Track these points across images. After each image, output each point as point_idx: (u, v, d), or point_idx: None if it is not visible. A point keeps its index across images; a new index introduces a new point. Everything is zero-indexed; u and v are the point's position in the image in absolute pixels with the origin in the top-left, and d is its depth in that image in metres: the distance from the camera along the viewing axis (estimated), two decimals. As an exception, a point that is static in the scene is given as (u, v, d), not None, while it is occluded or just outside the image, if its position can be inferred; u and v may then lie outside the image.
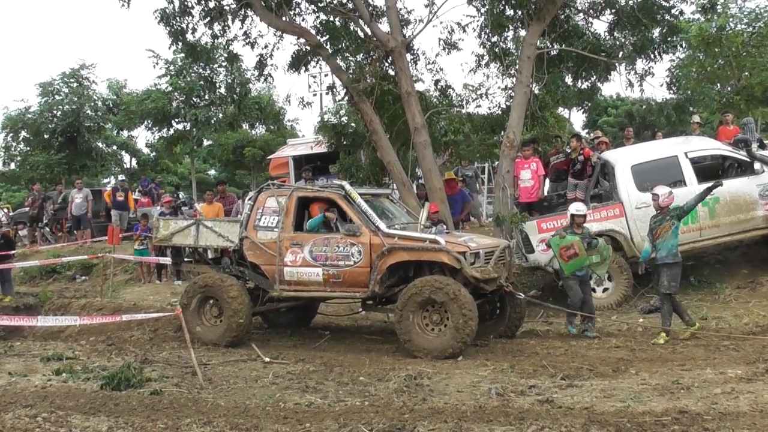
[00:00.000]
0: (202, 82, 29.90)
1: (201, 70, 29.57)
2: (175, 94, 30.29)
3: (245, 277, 13.64)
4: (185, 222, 14.46)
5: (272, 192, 13.56)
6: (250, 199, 13.94)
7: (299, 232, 13.10)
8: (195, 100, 30.44)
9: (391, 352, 12.52)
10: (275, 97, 34.89)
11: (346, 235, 12.56)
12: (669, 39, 18.27)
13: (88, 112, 31.83)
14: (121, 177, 34.32)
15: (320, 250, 12.75)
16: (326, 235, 12.77)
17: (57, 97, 30.93)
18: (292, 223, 13.12)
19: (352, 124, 19.41)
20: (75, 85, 31.15)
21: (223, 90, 30.06)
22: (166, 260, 16.69)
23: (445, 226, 13.75)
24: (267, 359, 12.00)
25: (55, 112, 30.74)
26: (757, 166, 14.61)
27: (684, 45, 21.04)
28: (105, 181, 46.12)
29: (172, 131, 32.10)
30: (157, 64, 29.50)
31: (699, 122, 19.99)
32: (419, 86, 18.40)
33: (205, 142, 39.03)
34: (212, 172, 55.50)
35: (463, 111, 19.43)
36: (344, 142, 19.48)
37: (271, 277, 13.16)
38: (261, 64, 19.15)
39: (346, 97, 18.43)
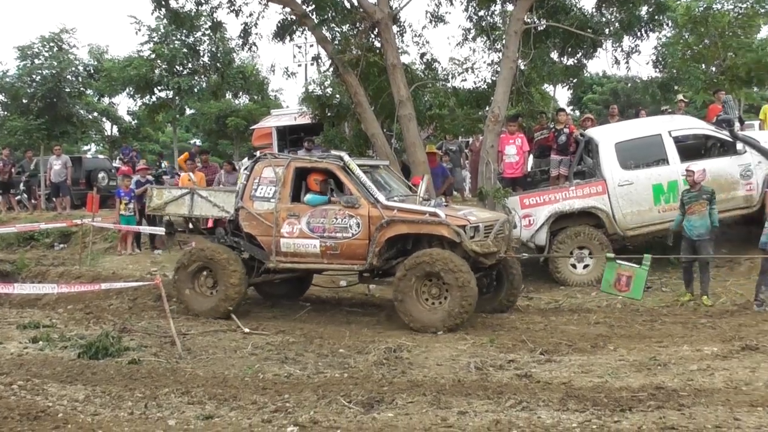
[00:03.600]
0: (185, 50, 29.57)
1: (184, 38, 29.27)
2: (158, 61, 29.99)
3: (240, 247, 13.44)
4: (179, 191, 14.25)
5: (269, 162, 13.33)
6: (246, 168, 13.75)
7: (296, 203, 12.91)
8: (178, 68, 30.12)
9: (371, 324, 12.56)
10: (259, 67, 34.64)
11: (345, 206, 12.42)
12: (656, 17, 18.26)
13: (69, 77, 31.41)
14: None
15: (318, 222, 12.60)
16: (324, 207, 12.64)
17: (36, 62, 30.50)
18: (289, 194, 12.92)
19: (337, 96, 19.30)
20: (55, 49, 30.74)
21: (206, 59, 29.76)
22: (158, 230, 16.58)
23: (443, 199, 13.63)
24: (247, 330, 11.98)
25: (34, 76, 30.31)
26: (739, 146, 14.63)
27: (671, 24, 21.00)
28: (85, 148, 45.80)
29: (154, 99, 31.80)
30: (139, 30, 29.17)
31: (684, 101, 20.02)
32: (405, 59, 18.35)
33: (188, 111, 38.75)
34: (195, 141, 55.20)
35: (449, 85, 19.46)
36: (328, 114, 19.41)
37: (267, 248, 12.98)
38: (245, 33, 18.98)
39: (331, 69, 18.34)
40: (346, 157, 12.86)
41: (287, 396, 8.36)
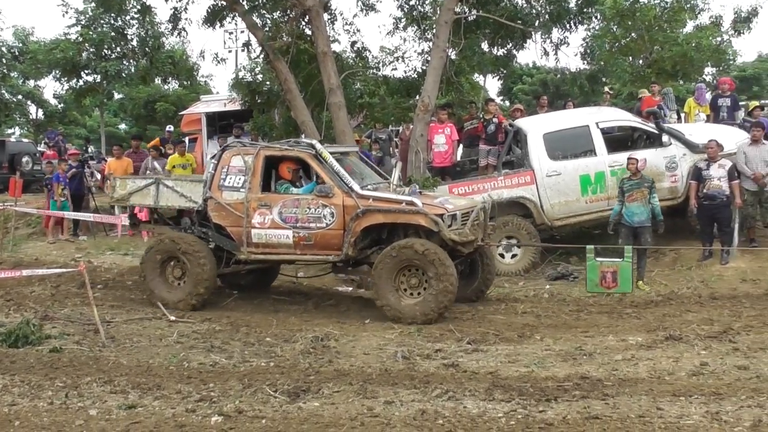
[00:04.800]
0: (113, 34, 29.14)
1: (112, 22, 28.83)
2: (85, 45, 29.51)
3: (208, 238, 13.00)
4: (144, 181, 13.76)
5: (238, 150, 12.90)
6: (213, 157, 13.39)
7: (267, 193, 12.59)
8: (106, 52, 29.69)
9: (298, 313, 12.46)
10: (189, 52, 34.29)
11: (318, 196, 12.12)
12: (585, 10, 18.50)
13: (-8, 59, 30.90)
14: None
15: (290, 212, 12.26)
16: (296, 196, 12.36)
17: (-43, 43, 29.92)
18: (259, 183, 12.53)
19: (267, 83, 19.17)
20: (-23, 30, 30.13)
21: (135, 43, 29.36)
22: (86, 216, 16.23)
23: (417, 187, 13.49)
24: (172, 318, 11.81)
25: (-44, 57, 29.76)
26: (664, 138, 14.85)
27: (599, 16, 21.26)
28: (9, 131, 44.83)
29: (81, 83, 31.30)
30: (66, 12, 28.68)
31: (610, 93, 20.29)
32: (336, 47, 18.27)
33: (116, 96, 38.22)
34: (123, 126, 54.40)
35: (379, 73, 19.41)
36: (258, 101, 19.26)
37: (237, 239, 12.59)
38: (175, 18, 18.74)
39: (262, 55, 18.17)
40: (318, 145, 12.54)
41: (212, 385, 8.28)
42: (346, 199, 12.02)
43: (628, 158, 13.64)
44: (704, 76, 27.97)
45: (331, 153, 12.50)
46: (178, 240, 12.85)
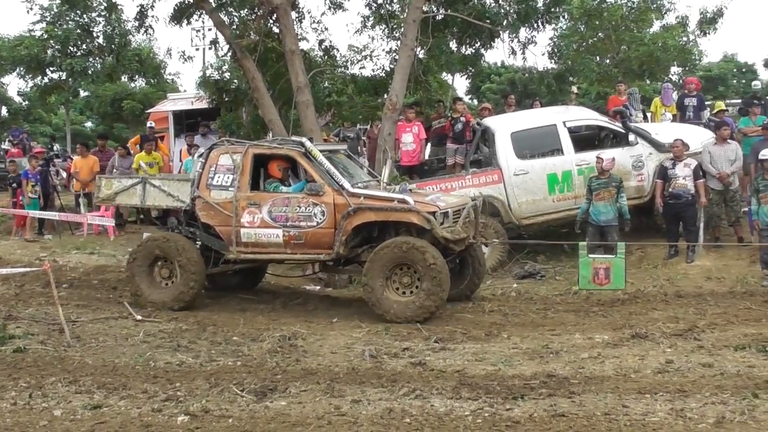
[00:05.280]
0: (79, 31, 28.87)
1: (78, 18, 28.57)
2: (51, 42, 29.24)
3: (195, 238, 12.82)
4: (130, 180, 13.55)
5: (226, 149, 12.74)
6: (200, 156, 13.19)
7: (256, 191, 12.46)
8: (71, 49, 29.43)
9: (266, 312, 12.41)
10: (156, 50, 34.05)
11: (308, 194, 12.00)
12: (552, 9, 18.57)
13: (-46, 55, 30.48)
14: None
15: (280, 211, 12.12)
16: (286, 195, 12.24)
17: None
18: (248, 182, 12.39)
19: (235, 81, 19.14)
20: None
21: (101, 40, 29.12)
22: (51, 215, 16.03)
23: (407, 184, 13.42)
24: (139, 317, 11.69)
25: None
26: (631, 137, 14.96)
27: (566, 16, 21.35)
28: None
29: (46, 80, 31.04)
30: (31, 9, 28.42)
31: (576, 92, 20.37)
32: (304, 45, 18.28)
33: (82, 93, 37.91)
34: (89, 124, 54.00)
35: (347, 72, 19.39)
36: (226, 99, 19.23)
37: (226, 238, 12.43)
38: (141, 15, 18.61)
39: (229, 53, 18.11)
40: (308, 143, 12.42)
41: (179, 384, 8.25)
42: (337, 198, 11.92)
43: (597, 157, 13.76)
44: (670, 76, 28.11)
45: (320, 151, 12.39)
46: (166, 240, 12.69)
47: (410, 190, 12.62)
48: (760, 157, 13.14)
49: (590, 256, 12.68)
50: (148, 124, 22.76)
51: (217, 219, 12.50)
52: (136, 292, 12.63)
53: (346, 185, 11.97)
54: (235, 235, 12.35)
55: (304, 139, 12.72)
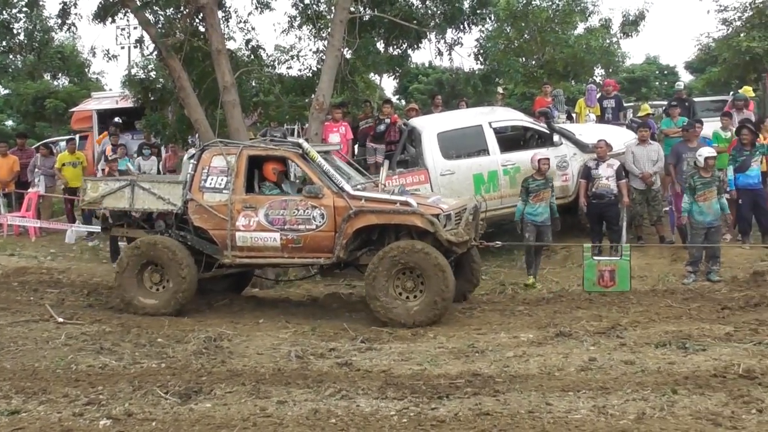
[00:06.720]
0: (-2, 28, 28.33)
1: (-2, 14, 28.05)
2: (-31, 38, 28.65)
3: (186, 242, 12.38)
4: (118, 183, 13.00)
5: (219, 150, 12.38)
6: (192, 157, 12.87)
7: (252, 194, 12.19)
8: (-9, 46, 28.89)
9: (192, 313, 12.23)
10: (80, 48, 33.58)
11: (307, 197, 11.77)
12: (478, 11, 18.71)
13: None
14: None
15: (277, 214, 11.84)
16: (283, 198, 11.98)
17: None
18: (243, 184, 12.10)
19: (160, 80, 18.85)
20: None
21: (22, 37, 28.57)
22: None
23: (403, 186, 13.24)
24: (60, 320, 11.48)
25: None
26: (555, 138, 15.19)
27: (493, 17, 21.55)
28: None
29: (-35, 78, 30.49)
30: (-53, 5, 27.83)
31: (502, 93, 20.58)
32: (230, 45, 18.09)
33: (3, 91, 37.20)
34: (9, 122, 52.94)
35: (274, 72, 19.31)
36: (151, 98, 18.91)
37: (221, 242, 12.11)
38: (64, 12, 18.26)
39: (155, 52, 17.87)
40: (306, 144, 12.21)
41: (101, 388, 8.14)
42: (336, 200, 11.71)
43: (540, 159, 13.84)
44: (594, 78, 28.62)
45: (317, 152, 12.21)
46: (157, 244, 12.27)
47: (407, 192, 12.56)
48: (698, 155, 13.34)
49: (595, 258, 12.84)
50: (115, 120, 22.29)
51: (211, 222, 12.20)
52: (125, 299, 12.26)
53: (347, 187, 11.79)
54: (230, 239, 12.06)
55: (301, 140, 12.59)
